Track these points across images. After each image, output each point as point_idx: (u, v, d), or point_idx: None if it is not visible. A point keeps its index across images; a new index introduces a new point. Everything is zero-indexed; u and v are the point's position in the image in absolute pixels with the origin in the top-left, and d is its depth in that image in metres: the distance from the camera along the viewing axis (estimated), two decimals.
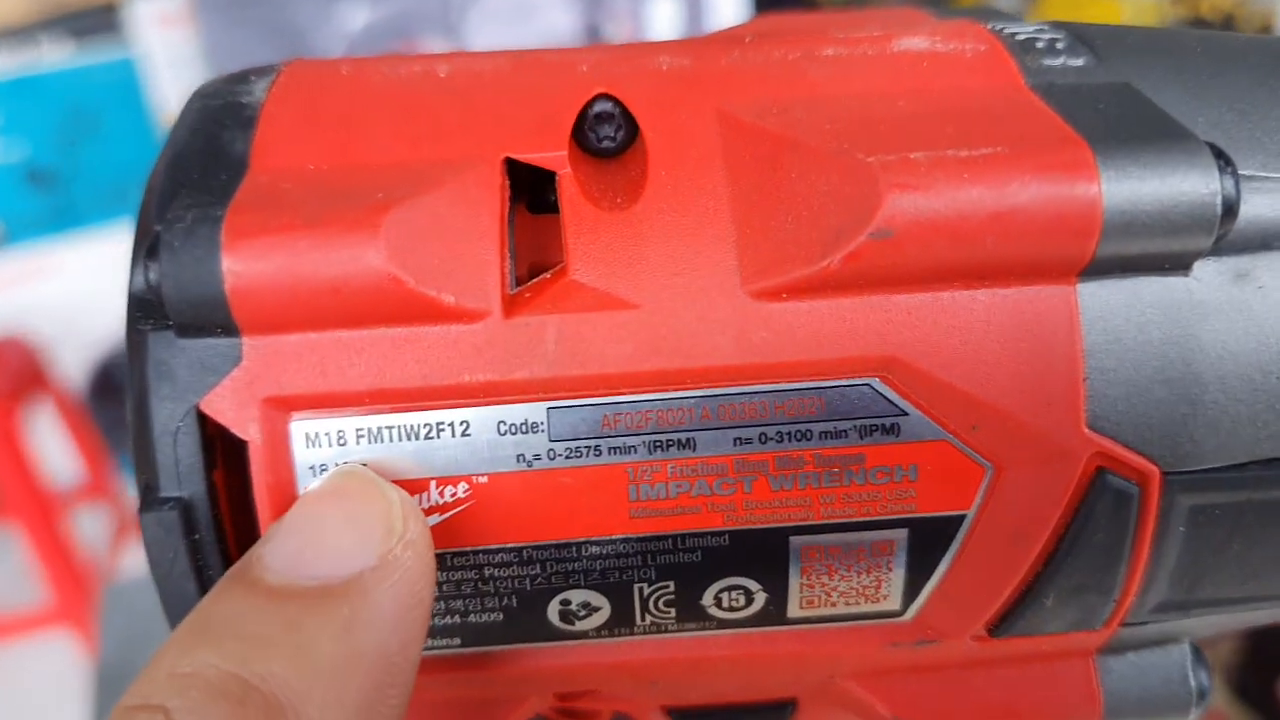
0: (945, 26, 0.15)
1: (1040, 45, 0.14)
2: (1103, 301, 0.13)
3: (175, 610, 0.13)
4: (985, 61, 0.14)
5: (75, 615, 1.58)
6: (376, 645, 0.11)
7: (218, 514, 0.13)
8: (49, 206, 1.61)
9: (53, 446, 1.72)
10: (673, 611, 0.14)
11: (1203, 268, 0.13)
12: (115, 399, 2.08)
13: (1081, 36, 0.14)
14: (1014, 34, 0.14)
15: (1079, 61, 0.14)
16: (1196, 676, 0.15)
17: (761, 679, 0.15)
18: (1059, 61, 0.14)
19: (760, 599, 0.14)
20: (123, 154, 1.52)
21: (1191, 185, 0.12)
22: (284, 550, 0.12)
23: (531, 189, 0.14)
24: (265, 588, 0.11)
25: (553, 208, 0.13)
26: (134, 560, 1.78)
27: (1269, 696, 0.46)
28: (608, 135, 0.14)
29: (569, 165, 0.13)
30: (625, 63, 0.14)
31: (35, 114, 1.38)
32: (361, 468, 0.12)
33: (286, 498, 0.13)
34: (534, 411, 0.13)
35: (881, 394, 0.13)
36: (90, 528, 1.82)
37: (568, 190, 0.13)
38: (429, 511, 0.13)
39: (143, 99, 1.42)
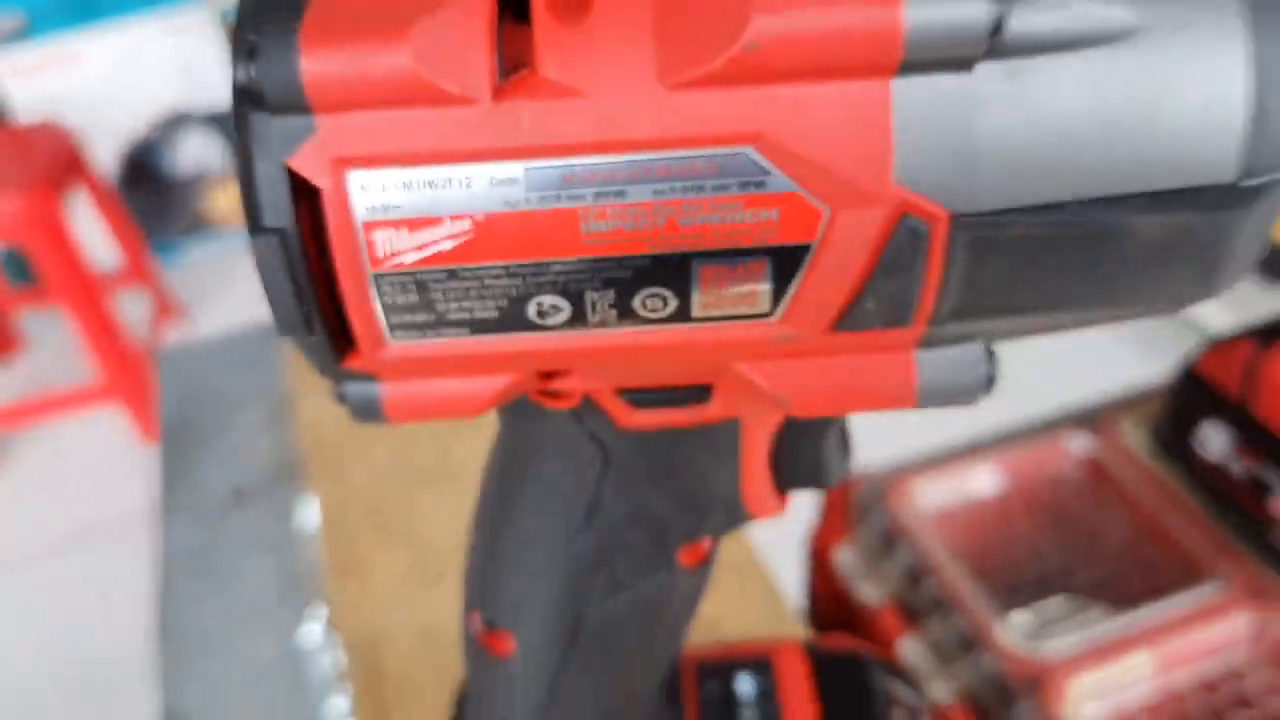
0: None
1: None
2: (907, 94, 0.18)
3: (279, 308, 0.19)
4: None
5: (124, 391, 1.70)
6: None
7: (302, 239, 0.19)
8: None
9: (91, 234, 1.79)
10: (614, 312, 0.20)
11: (985, 68, 0.18)
12: (146, 187, 2.13)
13: None
14: None
15: None
16: (987, 369, 0.21)
17: (680, 363, 0.21)
18: None
19: (673, 303, 0.20)
20: None
21: (964, 11, 0.17)
22: None
23: (517, 6, 0.19)
24: None
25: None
26: (175, 336, 1.88)
27: (1187, 450, 0.53)
28: None
29: None
30: None
31: None
32: None
33: (346, 226, 0.19)
34: (515, 170, 0.18)
35: (754, 159, 0.18)
36: (131, 310, 1.91)
37: (538, 9, 0.18)
38: (447, 239, 0.19)
39: None
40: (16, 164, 1.57)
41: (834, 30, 0.17)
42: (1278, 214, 0.19)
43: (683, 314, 0.20)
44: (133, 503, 1.68)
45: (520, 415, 0.25)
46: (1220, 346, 0.51)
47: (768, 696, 0.34)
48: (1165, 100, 0.18)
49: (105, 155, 2.00)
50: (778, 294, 0.19)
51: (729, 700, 0.34)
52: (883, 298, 0.19)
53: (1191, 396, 0.52)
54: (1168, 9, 0.18)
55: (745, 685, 0.34)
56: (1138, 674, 0.45)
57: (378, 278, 0.19)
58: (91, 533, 1.64)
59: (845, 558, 0.53)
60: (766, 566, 0.56)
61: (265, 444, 0.71)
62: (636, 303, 0.20)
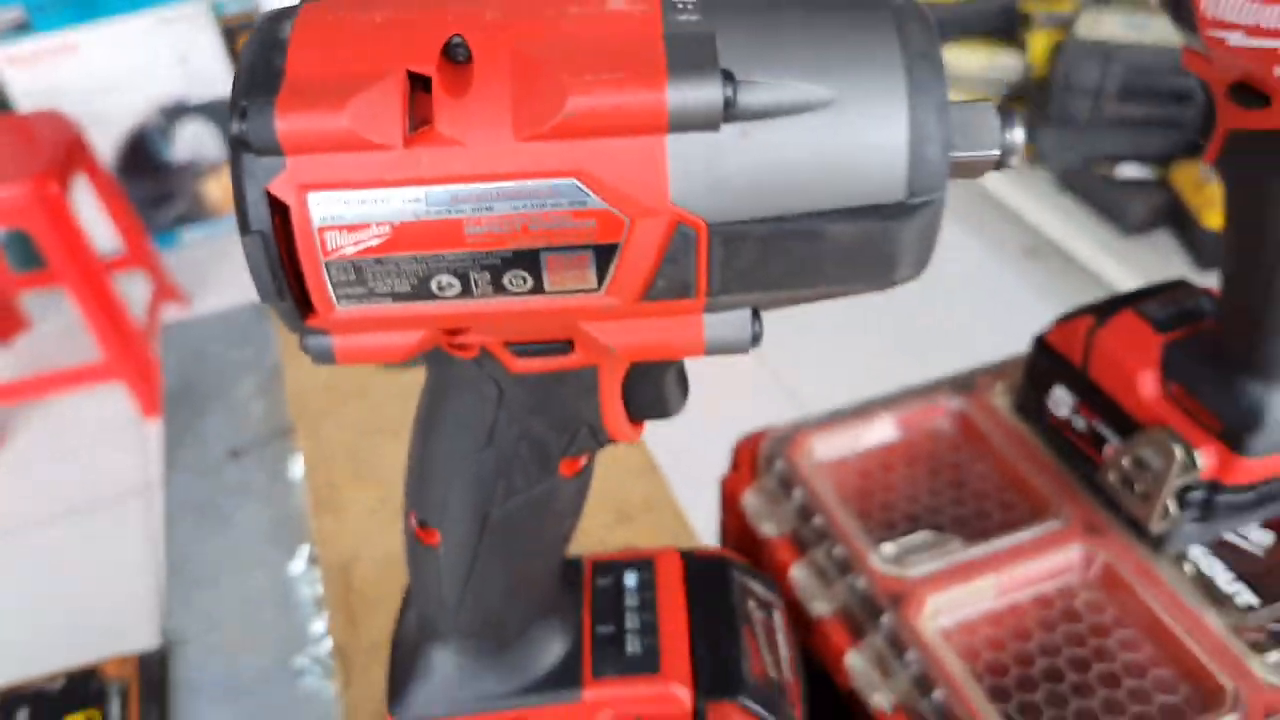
0: None
1: (678, 5, 0.28)
2: (676, 145, 0.26)
3: (261, 283, 0.28)
4: (644, 16, 0.28)
5: (125, 369, 1.78)
6: None
7: (276, 237, 0.28)
8: None
9: (92, 219, 1.87)
10: (490, 287, 0.29)
11: (726, 128, 0.27)
12: (144, 174, 2.21)
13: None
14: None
15: (695, 17, 0.28)
16: (753, 328, 0.31)
17: (542, 323, 0.31)
18: (683, 17, 0.28)
19: (531, 281, 0.29)
20: None
21: (707, 94, 0.26)
22: None
23: (423, 82, 0.28)
24: None
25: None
26: (173, 316, 1.96)
27: (1042, 409, 0.62)
28: (461, 57, 0.28)
29: (437, 74, 0.27)
30: (473, 13, 0.28)
31: None
32: None
33: (306, 229, 0.28)
34: (419, 193, 0.27)
35: (577, 187, 0.27)
36: (131, 292, 1.99)
37: (436, 87, 0.27)
38: (374, 238, 0.28)
39: None
40: (21, 151, 1.65)
41: (621, 106, 0.26)
42: (935, 226, 0.29)
43: (538, 289, 0.29)
44: (133, 473, 1.77)
45: (438, 362, 0.35)
46: (1066, 321, 0.61)
47: (647, 585, 0.44)
48: (852, 146, 0.27)
49: (104, 144, 2.08)
50: (601, 276, 0.29)
51: (618, 589, 0.44)
52: (671, 278, 0.29)
53: (1043, 364, 0.61)
54: (855, 87, 0.27)
55: (630, 579, 0.44)
56: (983, 593, 0.54)
57: (327, 263, 0.28)
58: (93, 501, 1.73)
59: (751, 500, 0.62)
60: (682, 509, 0.66)
61: (258, 408, 0.81)
62: (505, 281, 0.29)
